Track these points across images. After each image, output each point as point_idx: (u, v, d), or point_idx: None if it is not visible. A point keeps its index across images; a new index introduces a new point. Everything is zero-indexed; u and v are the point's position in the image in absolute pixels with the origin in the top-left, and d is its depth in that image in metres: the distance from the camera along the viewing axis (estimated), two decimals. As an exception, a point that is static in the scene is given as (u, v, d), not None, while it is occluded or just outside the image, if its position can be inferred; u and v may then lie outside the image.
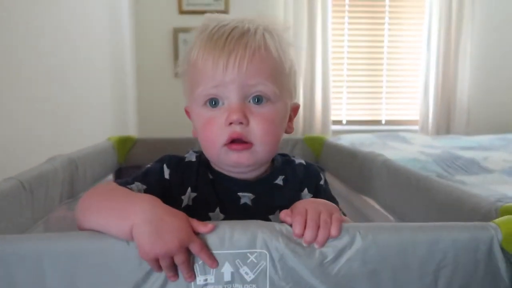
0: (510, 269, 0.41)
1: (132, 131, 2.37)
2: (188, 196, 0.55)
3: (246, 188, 0.56)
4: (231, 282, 0.38)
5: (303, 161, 0.63)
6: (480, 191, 0.87)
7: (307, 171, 0.61)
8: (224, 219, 0.53)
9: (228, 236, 0.38)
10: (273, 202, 0.55)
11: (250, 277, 0.38)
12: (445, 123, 2.86)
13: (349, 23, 2.94)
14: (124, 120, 2.27)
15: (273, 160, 0.60)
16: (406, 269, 0.40)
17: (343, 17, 2.92)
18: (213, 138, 0.52)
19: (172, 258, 0.38)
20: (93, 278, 0.38)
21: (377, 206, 0.82)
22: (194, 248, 0.38)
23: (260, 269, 0.38)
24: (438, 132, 2.83)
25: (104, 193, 0.46)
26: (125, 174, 1.25)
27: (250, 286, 0.38)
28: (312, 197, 0.59)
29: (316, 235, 0.39)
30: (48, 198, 0.73)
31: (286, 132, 0.58)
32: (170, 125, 2.53)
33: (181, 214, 0.41)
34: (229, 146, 0.52)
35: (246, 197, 0.55)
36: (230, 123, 0.51)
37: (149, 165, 0.59)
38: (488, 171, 1.27)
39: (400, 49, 2.97)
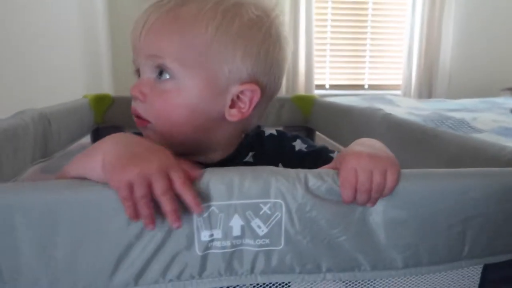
0: (544, 219, 0.37)
1: (107, 91, 2.24)
2: None
3: None
4: (241, 237, 0.33)
5: (274, 132, 0.55)
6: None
7: (279, 143, 0.54)
8: None
9: (237, 184, 0.32)
10: None
11: (262, 230, 0.33)
12: (427, 88, 2.86)
13: (334, -16, 2.84)
14: (98, 79, 2.13)
15: (247, 136, 0.53)
16: (434, 219, 0.36)
17: (327, -22, 2.81)
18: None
19: (149, 188, 0.30)
20: (76, 236, 0.32)
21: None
22: (177, 178, 0.31)
23: (274, 221, 0.33)
24: (420, 96, 2.83)
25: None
26: (104, 135, 1.16)
27: (263, 241, 0.33)
28: None
29: (369, 199, 0.35)
30: (18, 157, 0.65)
31: (229, 119, 0.47)
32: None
33: (162, 147, 0.35)
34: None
35: None
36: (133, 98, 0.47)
37: None
38: (478, 131, 1.26)
39: (384, 11, 2.91)
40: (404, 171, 0.36)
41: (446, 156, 0.57)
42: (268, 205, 0.33)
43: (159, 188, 0.30)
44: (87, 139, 1.12)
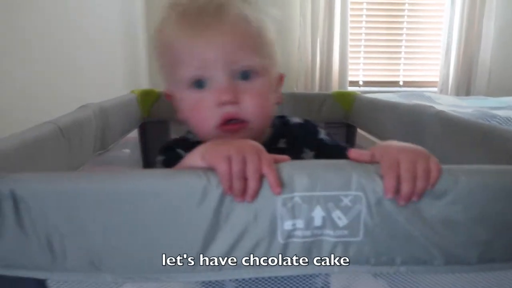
0: None
1: (144, 87, 2.30)
2: None
3: None
4: (321, 227, 0.34)
5: (299, 120, 0.61)
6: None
7: (304, 129, 0.60)
8: None
9: (320, 177, 0.33)
10: None
11: (343, 222, 0.34)
12: (465, 85, 2.78)
13: (370, -22, 2.79)
14: (135, 76, 2.19)
15: (274, 124, 0.59)
16: (508, 215, 0.36)
17: (363, -28, 2.77)
18: (204, 121, 0.50)
19: (244, 164, 0.33)
20: (165, 223, 0.34)
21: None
22: (265, 159, 0.33)
23: (354, 213, 0.34)
24: (457, 94, 2.75)
25: None
26: (150, 129, 1.20)
27: (342, 232, 0.34)
28: (315, 155, 0.57)
29: (413, 190, 0.33)
30: (84, 147, 0.69)
31: (279, 102, 0.57)
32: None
33: None
34: (223, 127, 0.49)
35: None
36: (221, 104, 0.48)
37: (160, 158, 0.55)
38: (527, 130, 1.22)
39: (422, 6, 2.84)
40: (478, 167, 0.37)
41: (509, 156, 0.56)
42: (349, 197, 0.34)
43: (251, 165, 0.33)
44: (134, 133, 1.17)
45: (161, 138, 1.23)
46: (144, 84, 2.35)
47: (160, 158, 0.55)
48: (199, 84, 0.49)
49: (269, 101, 0.51)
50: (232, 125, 0.49)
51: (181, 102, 0.53)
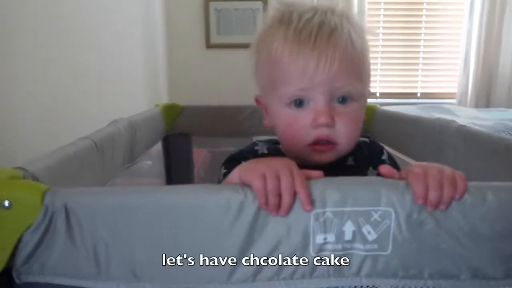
0: None
1: (163, 102, 2.35)
2: None
3: None
4: (352, 241, 0.36)
5: (365, 139, 0.62)
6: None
7: (370, 148, 0.61)
8: None
9: (351, 193, 0.35)
10: None
11: (372, 236, 0.36)
12: (485, 97, 2.74)
13: (386, -9, 2.81)
14: (155, 91, 2.25)
15: None
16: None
17: (380, -16, 2.79)
18: (298, 138, 0.52)
19: (278, 181, 0.35)
20: (203, 234, 0.36)
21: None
22: (297, 176, 0.35)
23: (384, 228, 0.35)
24: (477, 105, 2.72)
25: None
26: (172, 142, 1.24)
27: (371, 246, 0.36)
28: (377, 174, 0.58)
29: (441, 196, 0.35)
30: (115, 160, 0.72)
31: None
32: (201, 95, 2.51)
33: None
34: (314, 146, 0.51)
35: None
36: (318, 126, 0.50)
37: (224, 171, 0.55)
38: (550, 143, 1.20)
39: (439, 17, 2.83)
40: (505, 184, 0.38)
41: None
42: (379, 212, 0.35)
43: (285, 182, 0.35)
44: (158, 146, 1.20)
45: (183, 151, 1.27)
46: (164, 98, 2.40)
47: (223, 171, 0.55)
48: (298, 102, 0.51)
49: (360, 125, 0.53)
50: (322, 146, 0.51)
51: (276, 115, 0.54)
